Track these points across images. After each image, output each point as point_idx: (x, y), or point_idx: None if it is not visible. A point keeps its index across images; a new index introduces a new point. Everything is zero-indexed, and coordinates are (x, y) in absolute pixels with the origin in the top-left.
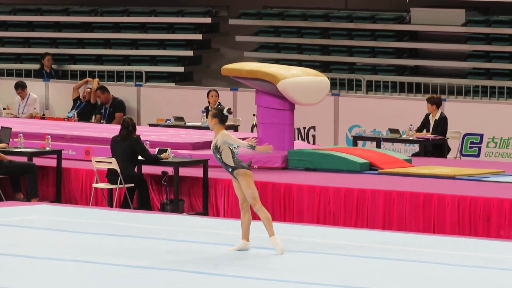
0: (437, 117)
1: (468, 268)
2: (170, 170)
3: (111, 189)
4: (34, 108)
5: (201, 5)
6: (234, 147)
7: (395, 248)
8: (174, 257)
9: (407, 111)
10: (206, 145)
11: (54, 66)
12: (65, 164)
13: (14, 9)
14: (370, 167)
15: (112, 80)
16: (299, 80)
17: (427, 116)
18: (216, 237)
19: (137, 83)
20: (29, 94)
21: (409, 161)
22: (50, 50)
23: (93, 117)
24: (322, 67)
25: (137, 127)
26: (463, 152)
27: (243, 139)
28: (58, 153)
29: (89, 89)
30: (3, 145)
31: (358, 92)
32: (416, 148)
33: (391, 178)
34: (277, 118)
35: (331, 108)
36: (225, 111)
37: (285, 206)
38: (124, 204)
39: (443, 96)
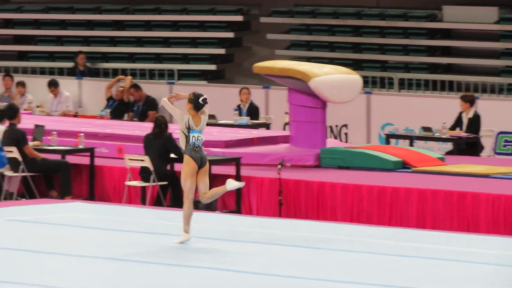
0: (470, 115)
1: (503, 267)
2: None
3: (144, 187)
4: (67, 106)
5: (232, 3)
6: (193, 136)
7: (429, 247)
8: (207, 255)
9: (440, 109)
10: (238, 143)
11: (87, 64)
12: (98, 162)
13: (47, 7)
14: (403, 166)
15: (144, 78)
16: (331, 78)
17: (460, 114)
18: (249, 235)
19: (169, 81)
20: (62, 92)
21: (442, 159)
22: (83, 48)
23: (126, 115)
24: (354, 65)
25: (169, 125)
26: (496, 151)
27: (276, 137)
28: (91, 151)
29: (121, 88)
30: (36, 143)
31: (391, 90)
32: (449, 146)
33: (425, 176)
34: (310, 116)
35: (363, 106)
36: (200, 100)
37: (318, 204)
38: (157, 202)
39: (476, 94)
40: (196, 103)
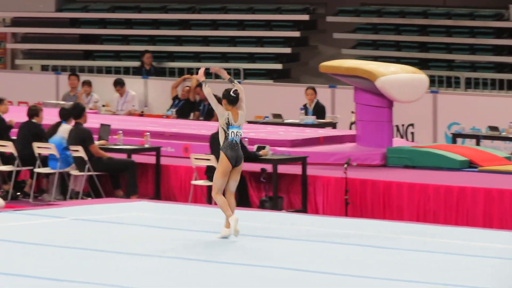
0: None
1: None
2: (268, 167)
3: (210, 186)
4: (133, 105)
5: (299, 2)
6: (232, 131)
7: (495, 246)
8: (274, 254)
9: (507, 108)
10: (304, 142)
11: (153, 63)
12: (164, 161)
13: (113, 6)
14: (470, 165)
15: (210, 77)
16: (397, 77)
17: None
18: (316, 234)
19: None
20: (128, 91)
21: (509, 158)
22: (149, 48)
23: (191, 114)
24: (420, 64)
25: None
26: None
27: (342, 136)
28: (157, 150)
29: (187, 87)
30: (102, 142)
31: (457, 89)
32: None
33: (491, 176)
34: (376, 115)
35: (429, 106)
36: (231, 92)
37: (384, 204)
38: None
39: None
40: (229, 97)
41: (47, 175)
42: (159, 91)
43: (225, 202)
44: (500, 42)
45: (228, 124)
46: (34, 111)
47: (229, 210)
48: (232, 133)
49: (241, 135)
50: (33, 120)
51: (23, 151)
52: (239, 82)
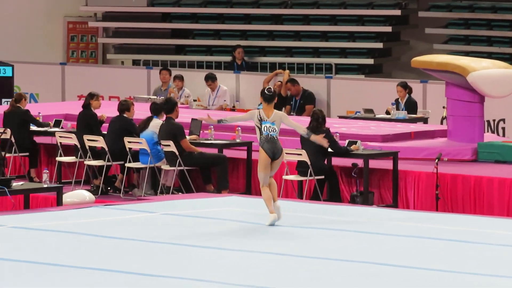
0: None
1: None
2: (360, 162)
3: (301, 181)
4: (224, 100)
5: None
6: (265, 126)
7: None
8: (365, 249)
9: None
10: (396, 137)
11: (245, 58)
12: (255, 156)
13: (205, 1)
14: None
15: (302, 72)
16: (489, 72)
17: None
18: (407, 229)
19: (327, 75)
20: (219, 86)
21: None
22: (240, 42)
23: (283, 109)
24: None
25: (327, 119)
26: None
27: (433, 131)
28: (248, 145)
29: (279, 82)
30: (193, 137)
31: None
32: None
33: None
34: (467, 111)
35: None
36: (266, 90)
37: (475, 199)
38: (314, 196)
39: None
40: (264, 94)
41: (138, 170)
42: (250, 86)
43: (269, 197)
44: None
45: (261, 120)
46: (125, 106)
47: (272, 205)
48: (265, 127)
49: (275, 130)
50: (124, 115)
51: (114, 146)
52: (331, 78)
